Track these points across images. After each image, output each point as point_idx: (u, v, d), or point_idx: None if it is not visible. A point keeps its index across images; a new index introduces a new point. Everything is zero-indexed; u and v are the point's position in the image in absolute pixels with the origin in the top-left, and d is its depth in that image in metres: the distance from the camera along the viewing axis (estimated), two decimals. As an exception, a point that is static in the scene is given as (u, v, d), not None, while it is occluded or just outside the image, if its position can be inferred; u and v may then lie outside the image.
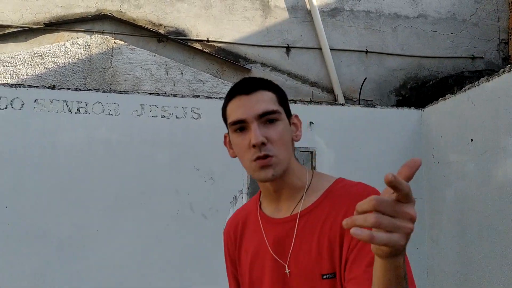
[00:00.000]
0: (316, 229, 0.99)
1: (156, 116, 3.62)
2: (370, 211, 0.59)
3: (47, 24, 5.00)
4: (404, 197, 0.60)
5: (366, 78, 5.40)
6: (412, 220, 0.61)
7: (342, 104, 4.20)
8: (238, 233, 1.15)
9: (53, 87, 3.58)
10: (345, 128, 3.80)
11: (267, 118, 1.00)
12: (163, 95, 3.69)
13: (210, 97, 3.78)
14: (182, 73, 5.11)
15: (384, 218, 0.59)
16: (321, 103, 3.92)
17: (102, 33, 5.09)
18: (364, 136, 3.81)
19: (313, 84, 5.42)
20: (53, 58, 4.92)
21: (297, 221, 1.01)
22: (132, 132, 3.58)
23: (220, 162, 3.63)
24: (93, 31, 5.09)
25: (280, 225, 1.03)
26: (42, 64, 4.89)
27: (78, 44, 5.00)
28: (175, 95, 3.70)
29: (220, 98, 3.78)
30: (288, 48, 5.43)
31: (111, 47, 5.05)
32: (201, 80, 5.14)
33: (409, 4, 5.75)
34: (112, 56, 5.03)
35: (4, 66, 4.84)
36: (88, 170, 3.49)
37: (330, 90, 5.41)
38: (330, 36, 5.47)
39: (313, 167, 3.75)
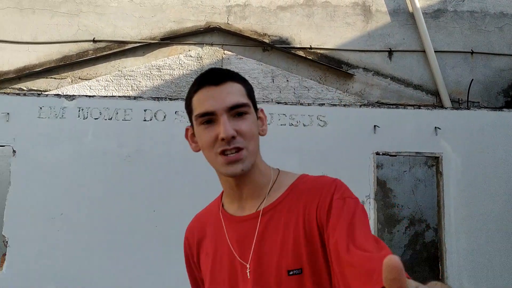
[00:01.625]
0: (280, 225, 0.96)
1: (285, 125, 3.80)
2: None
3: (162, 39, 5.36)
4: None
5: (473, 79, 5.29)
6: None
7: (468, 108, 4.16)
8: (196, 238, 1.13)
9: (190, 99, 3.85)
10: (471, 133, 3.78)
11: (236, 111, 0.96)
12: (290, 104, 3.85)
13: (335, 105, 3.90)
14: (287, 80, 5.28)
15: None
16: (446, 108, 3.92)
17: (212, 45, 5.37)
18: (491, 141, 3.76)
19: (416, 87, 5.39)
20: (169, 70, 5.27)
21: (259, 218, 0.98)
22: (262, 140, 3.77)
23: (347, 168, 3.74)
24: (203, 43, 5.38)
25: (242, 223, 1.00)
26: (159, 76, 5.25)
27: (191, 56, 5.31)
28: (301, 104, 3.86)
29: (344, 105, 3.89)
30: (390, 52, 5.44)
31: (221, 58, 5.31)
32: (306, 87, 5.28)
33: (516, 2, 5.57)
34: (222, 66, 5.29)
35: (126, 79, 5.24)
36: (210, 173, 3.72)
37: (435, 93, 5.36)
38: (434, 38, 5.42)
39: (440, 173, 3.76)
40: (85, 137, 3.71)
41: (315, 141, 3.79)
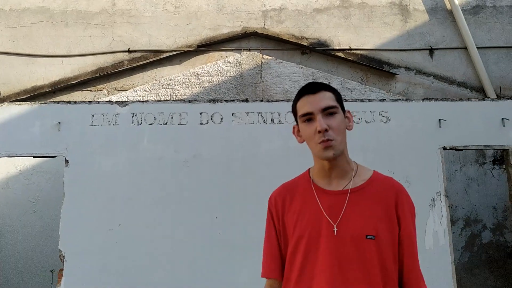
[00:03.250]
0: (365, 203, 1.31)
1: (347, 122, 3.64)
2: None
3: (198, 46, 5.25)
4: None
5: (519, 73, 5.17)
6: None
7: (534, 98, 4.02)
8: (285, 201, 1.42)
9: (246, 100, 3.71)
10: (541, 123, 3.62)
11: (328, 112, 1.30)
12: (350, 101, 3.71)
13: (397, 100, 3.75)
14: (329, 82, 5.15)
15: None
16: (510, 98, 3.77)
17: (249, 50, 5.26)
18: None
19: (460, 84, 5.26)
20: (207, 78, 5.14)
21: (348, 194, 1.32)
22: (325, 139, 3.62)
23: (414, 165, 3.57)
24: (240, 49, 5.27)
25: (334, 196, 1.32)
26: (198, 84, 5.12)
27: (229, 62, 5.20)
28: (362, 100, 3.72)
29: (406, 100, 3.74)
30: (431, 50, 5.33)
31: (260, 63, 5.19)
32: (349, 88, 5.15)
33: (555, -6, 5.49)
34: (261, 71, 5.17)
35: (164, 88, 5.11)
36: (287, 177, 3.55)
37: (479, 89, 5.23)
38: (474, 34, 5.32)
39: (510, 166, 3.59)
40: (140, 143, 3.55)
41: (378, 138, 3.64)
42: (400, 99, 3.87)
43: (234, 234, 3.45)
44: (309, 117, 1.32)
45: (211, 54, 5.28)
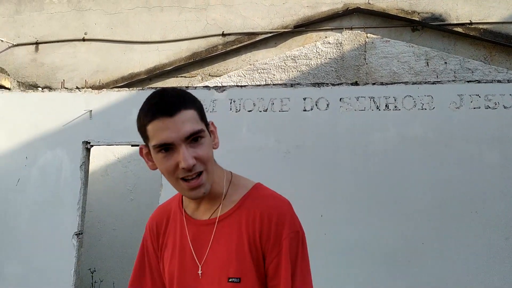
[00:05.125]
0: (231, 235, 1.06)
1: (479, 108, 3.05)
2: None
3: (295, 27, 4.86)
4: None
5: None
6: None
7: None
8: (162, 229, 1.18)
9: (356, 84, 3.26)
10: None
11: (193, 138, 1.00)
12: (485, 82, 3.10)
13: (545, 80, 3.07)
14: (445, 62, 4.49)
15: None
16: None
17: (351, 28, 4.76)
18: None
19: None
20: (305, 60, 4.75)
21: (215, 225, 1.07)
22: (451, 127, 3.07)
23: None
24: (341, 28, 4.79)
25: (200, 226, 1.09)
26: (295, 68, 4.75)
27: (329, 43, 4.75)
28: (499, 81, 3.09)
29: (558, 80, 3.04)
30: None
31: (363, 43, 4.68)
32: (469, 69, 4.45)
33: None
34: (365, 51, 4.66)
35: (259, 73, 4.82)
36: (403, 172, 3.07)
37: None
38: None
39: None
40: (238, 132, 3.28)
41: (521, 126, 3.00)
42: (549, 79, 3.16)
43: (341, 236, 3.06)
44: (166, 147, 0.99)
45: (309, 35, 4.87)
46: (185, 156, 0.97)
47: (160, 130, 0.98)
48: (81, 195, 3.46)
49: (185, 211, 1.14)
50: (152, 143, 1.01)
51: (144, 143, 1.09)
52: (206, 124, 1.07)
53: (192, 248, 1.09)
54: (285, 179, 3.19)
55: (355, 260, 3.03)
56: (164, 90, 1.05)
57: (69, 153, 3.48)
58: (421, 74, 4.50)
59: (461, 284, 2.92)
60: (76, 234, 3.42)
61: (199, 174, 1.01)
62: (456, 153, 3.05)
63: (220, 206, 1.09)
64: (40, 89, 5.05)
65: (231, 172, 1.16)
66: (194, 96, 1.07)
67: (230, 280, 1.03)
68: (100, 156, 4.86)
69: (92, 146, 3.48)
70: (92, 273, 4.63)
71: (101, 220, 4.75)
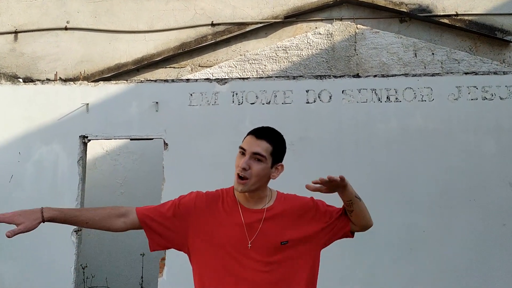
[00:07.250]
0: (275, 218, 1.56)
1: (476, 99, 3.16)
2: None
3: (286, 17, 4.86)
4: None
5: None
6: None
7: None
8: (213, 202, 1.58)
9: (358, 76, 3.30)
10: None
11: (256, 157, 1.49)
12: (482, 74, 3.21)
13: (538, 72, 3.20)
14: (433, 53, 4.60)
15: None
16: None
17: (341, 19, 4.80)
18: None
19: None
20: (296, 51, 4.76)
21: (264, 213, 1.56)
22: (451, 118, 3.17)
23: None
24: (332, 19, 4.82)
25: (252, 213, 1.55)
26: (286, 58, 4.75)
27: (320, 33, 4.77)
28: (495, 73, 3.20)
29: (550, 72, 3.18)
30: (554, 13, 4.61)
31: (354, 33, 4.73)
32: (456, 60, 4.58)
33: None
34: (355, 42, 4.71)
35: (250, 63, 4.79)
36: (405, 163, 3.16)
37: None
38: None
39: None
40: (241, 124, 3.26)
41: (515, 117, 3.13)
42: (541, 71, 3.30)
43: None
44: (242, 151, 1.50)
45: (299, 25, 4.88)
46: (244, 161, 1.47)
47: (248, 141, 1.52)
48: (79, 190, 3.37)
49: (239, 201, 1.59)
50: (241, 144, 1.54)
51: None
52: (276, 160, 1.53)
53: (244, 225, 1.52)
54: (289, 171, 3.20)
55: (359, 248, 3.10)
56: (268, 126, 1.59)
57: (65, 148, 3.38)
58: (409, 65, 4.60)
59: (460, 269, 3.05)
60: (75, 231, 3.34)
61: (245, 178, 1.48)
62: (455, 143, 3.16)
63: (266, 204, 1.59)
64: (21, 80, 4.85)
65: (269, 188, 1.65)
66: (282, 139, 1.56)
67: (283, 243, 1.50)
68: (88, 149, 4.72)
69: (89, 140, 3.39)
70: (84, 268, 4.54)
71: (91, 214, 4.63)
